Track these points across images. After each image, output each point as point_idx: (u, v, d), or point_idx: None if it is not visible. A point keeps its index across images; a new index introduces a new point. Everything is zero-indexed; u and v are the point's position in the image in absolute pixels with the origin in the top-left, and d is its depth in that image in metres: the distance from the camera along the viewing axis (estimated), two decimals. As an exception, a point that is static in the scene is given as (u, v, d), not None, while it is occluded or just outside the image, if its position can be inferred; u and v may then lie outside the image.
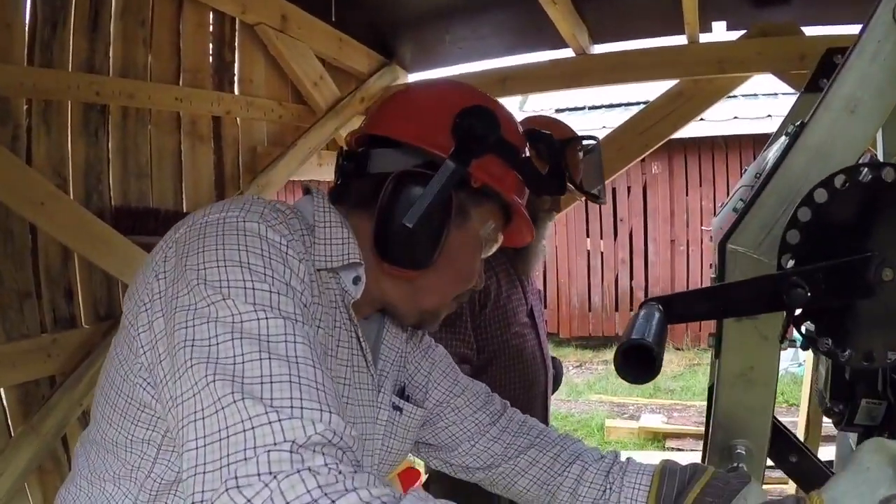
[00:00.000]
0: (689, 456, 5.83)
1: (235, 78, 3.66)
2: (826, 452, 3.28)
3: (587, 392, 8.70)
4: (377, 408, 1.26)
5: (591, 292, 10.93)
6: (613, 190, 10.61)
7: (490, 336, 2.62)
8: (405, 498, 0.75)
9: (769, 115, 9.49)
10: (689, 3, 3.35)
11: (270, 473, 0.74)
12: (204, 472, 0.77)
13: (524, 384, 2.70)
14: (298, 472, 0.74)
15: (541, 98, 10.04)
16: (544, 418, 2.85)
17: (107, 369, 1.11)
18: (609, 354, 10.35)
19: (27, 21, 2.70)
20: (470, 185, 1.15)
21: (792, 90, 3.79)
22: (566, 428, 7.19)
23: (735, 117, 9.87)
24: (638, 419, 7.31)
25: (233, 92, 3.63)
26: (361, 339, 1.20)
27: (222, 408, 0.81)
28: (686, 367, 9.61)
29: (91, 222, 2.81)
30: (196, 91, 3.36)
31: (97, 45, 2.94)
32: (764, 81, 3.71)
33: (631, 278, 10.78)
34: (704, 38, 3.80)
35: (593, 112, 11.45)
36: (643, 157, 4.28)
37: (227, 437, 0.78)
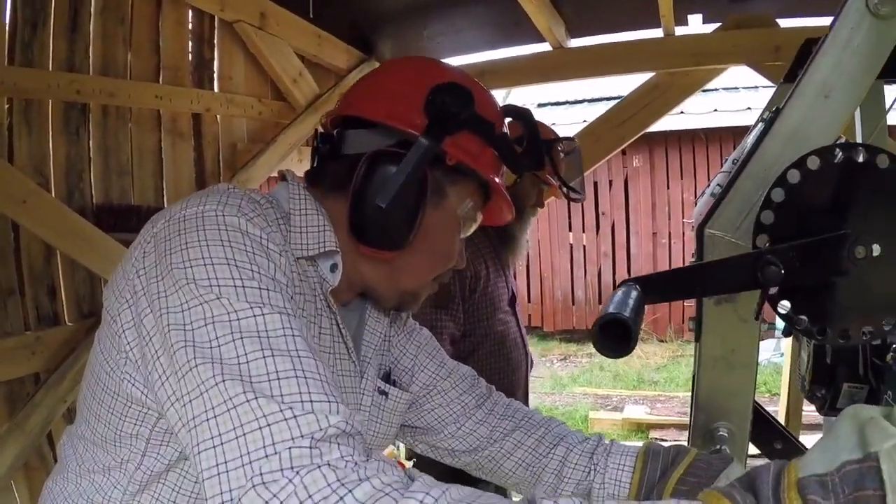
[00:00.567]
0: (673, 446, 5.87)
1: (215, 75, 3.64)
2: (808, 441, 3.32)
3: (571, 385, 8.74)
4: (360, 394, 1.27)
5: (574, 286, 10.97)
6: (595, 184, 10.66)
7: (477, 320, 2.68)
8: (414, 483, 0.77)
9: (749, 108, 9.56)
10: (665, -5, 3.38)
11: (293, 469, 0.76)
12: (227, 471, 0.79)
13: (508, 369, 2.76)
14: (318, 467, 0.76)
15: (522, 92, 10.06)
16: (525, 404, 2.93)
17: (92, 365, 1.11)
18: (593, 348, 10.39)
19: (7, 21, 2.69)
20: (445, 164, 1.15)
21: (770, 83, 3.83)
22: (551, 421, 7.21)
23: (715, 110, 9.95)
24: (622, 410, 7.36)
25: (212, 89, 3.61)
26: (342, 327, 1.20)
27: (234, 406, 0.82)
28: (669, 359, 9.67)
29: (73, 220, 2.80)
30: (176, 89, 3.35)
31: (77, 44, 2.93)
32: (743, 74, 3.74)
33: (614, 271, 10.84)
34: (680, 30, 3.83)
35: (576, 106, 11.50)
36: (620, 149, 4.33)
37: (244, 434, 0.80)
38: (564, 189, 2.72)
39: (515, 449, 1.40)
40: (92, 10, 3.00)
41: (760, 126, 1.22)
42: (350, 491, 0.73)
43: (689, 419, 1.26)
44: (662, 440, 6.50)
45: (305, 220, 1.14)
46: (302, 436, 0.79)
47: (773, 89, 1.89)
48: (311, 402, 0.82)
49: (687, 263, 1.01)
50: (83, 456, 1.11)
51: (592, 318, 10.76)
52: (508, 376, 2.76)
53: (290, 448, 0.78)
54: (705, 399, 1.08)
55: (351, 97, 1.24)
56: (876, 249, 0.80)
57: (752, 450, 1.31)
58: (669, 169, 10.59)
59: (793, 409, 3.92)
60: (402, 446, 3.96)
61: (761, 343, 1.13)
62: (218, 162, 3.68)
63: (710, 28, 3.78)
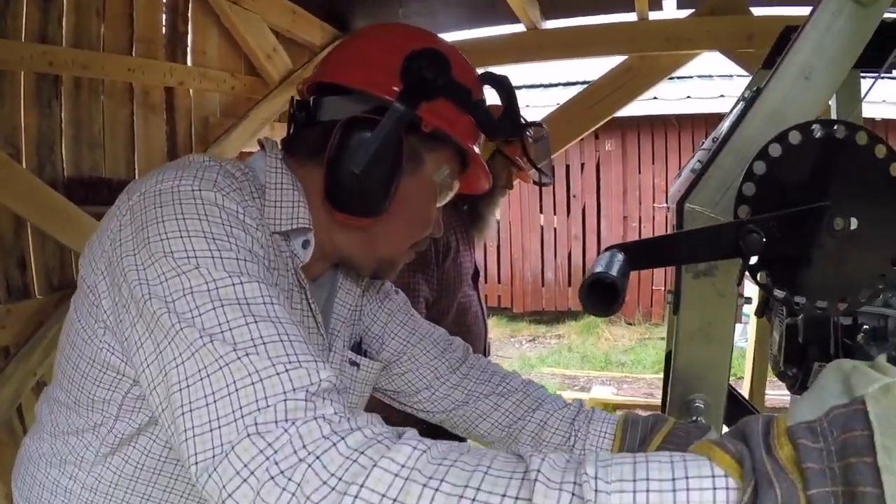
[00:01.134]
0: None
1: (188, 49, 3.61)
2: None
3: (539, 365, 8.80)
4: None
5: (544, 267, 11.03)
6: (567, 167, 10.71)
7: (445, 290, 2.74)
8: (405, 435, 0.77)
9: (722, 96, 9.64)
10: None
11: (287, 420, 0.76)
12: (220, 427, 0.78)
13: (469, 340, 2.80)
14: (315, 419, 0.76)
15: (497, 73, 10.02)
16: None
17: (67, 331, 1.11)
18: (562, 329, 10.50)
19: (-22, -7, 2.64)
20: (422, 130, 1.14)
21: (744, 71, 3.88)
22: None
23: (688, 97, 10.01)
24: (589, 391, 7.43)
25: (186, 63, 3.59)
26: (311, 301, 1.20)
27: (226, 364, 0.81)
28: (637, 342, 9.78)
29: (44, 192, 2.77)
30: (149, 62, 3.31)
31: (51, 15, 2.88)
32: (718, 62, 3.78)
33: (584, 254, 10.90)
34: (654, 15, 3.86)
35: (551, 89, 11.52)
36: (592, 130, 4.37)
37: (237, 390, 0.79)
38: (533, 172, 2.76)
39: (492, 411, 1.41)
40: (66, -20, 2.96)
41: (741, 105, 1.24)
42: (343, 438, 0.74)
43: (659, 398, 1.29)
44: (630, 420, 6.59)
45: (280, 195, 1.14)
46: (294, 389, 0.79)
47: (748, 78, 1.92)
48: (299, 361, 0.83)
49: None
50: (58, 418, 1.12)
51: (562, 299, 10.91)
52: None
53: (284, 401, 0.78)
54: (682, 371, 1.10)
55: (327, 64, 1.23)
56: (853, 223, 0.83)
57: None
58: (641, 154, 10.66)
59: (756, 392, 3.99)
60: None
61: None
62: (190, 136, 3.66)
63: (685, 13, 3.81)
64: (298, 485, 0.71)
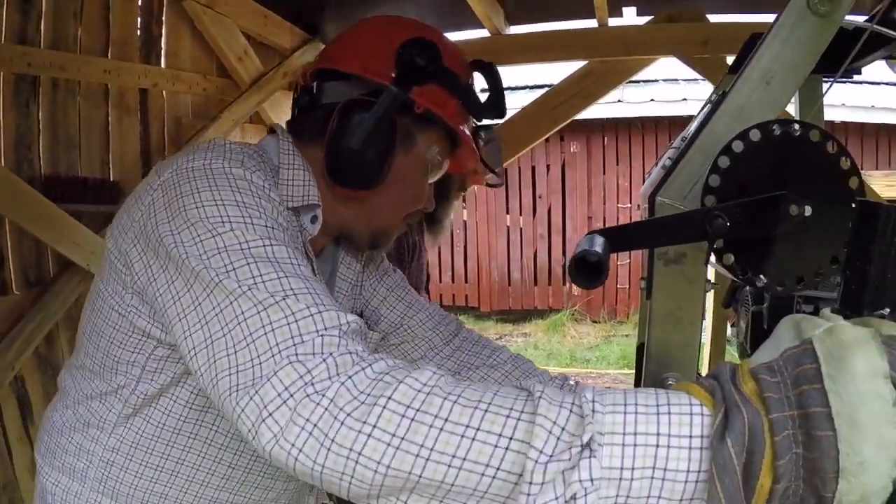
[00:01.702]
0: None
1: (162, 51, 3.64)
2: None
3: (507, 364, 8.86)
4: None
5: (510, 267, 11.13)
6: (533, 168, 10.83)
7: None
8: (424, 366, 0.84)
9: (685, 99, 9.82)
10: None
11: (324, 353, 0.83)
12: (260, 362, 0.84)
13: None
14: (349, 353, 0.83)
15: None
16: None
17: (93, 301, 1.20)
18: (528, 327, 10.61)
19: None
20: (414, 112, 1.26)
21: (702, 76, 4.01)
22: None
23: (652, 100, 10.17)
24: (556, 388, 7.51)
25: (159, 65, 3.62)
26: (317, 273, 1.29)
27: (264, 308, 0.88)
28: (602, 339, 9.92)
29: (22, 190, 2.79)
30: (124, 64, 3.34)
31: (30, 17, 2.91)
32: (683, 67, 3.91)
33: (549, 253, 11.03)
34: (614, 21, 4.00)
35: (517, 92, 11.60)
36: (553, 131, 4.51)
37: (274, 329, 0.86)
38: (489, 175, 2.83)
39: (482, 381, 1.50)
40: (45, -17, 2.98)
41: (709, 107, 1.34)
42: (370, 365, 0.81)
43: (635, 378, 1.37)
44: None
45: (293, 175, 1.25)
46: (327, 328, 0.86)
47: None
48: (328, 307, 0.90)
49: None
50: (81, 384, 1.21)
51: (528, 298, 10.97)
52: None
53: (321, 336, 0.85)
54: (655, 350, 1.18)
55: (328, 52, 1.36)
56: (808, 210, 0.92)
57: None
58: (606, 156, 10.81)
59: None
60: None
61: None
62: (163, 136, 3.69)
63: (644, 20, 3.95)
64: (332, 399, 0.78)
